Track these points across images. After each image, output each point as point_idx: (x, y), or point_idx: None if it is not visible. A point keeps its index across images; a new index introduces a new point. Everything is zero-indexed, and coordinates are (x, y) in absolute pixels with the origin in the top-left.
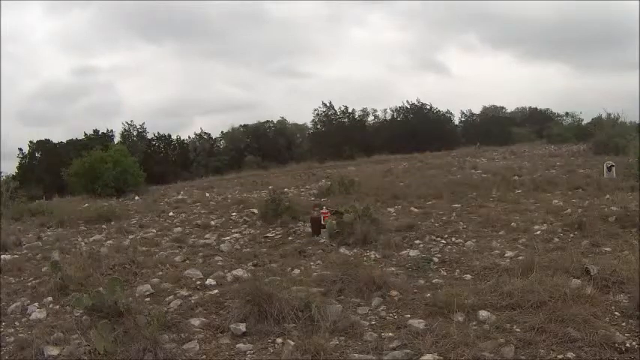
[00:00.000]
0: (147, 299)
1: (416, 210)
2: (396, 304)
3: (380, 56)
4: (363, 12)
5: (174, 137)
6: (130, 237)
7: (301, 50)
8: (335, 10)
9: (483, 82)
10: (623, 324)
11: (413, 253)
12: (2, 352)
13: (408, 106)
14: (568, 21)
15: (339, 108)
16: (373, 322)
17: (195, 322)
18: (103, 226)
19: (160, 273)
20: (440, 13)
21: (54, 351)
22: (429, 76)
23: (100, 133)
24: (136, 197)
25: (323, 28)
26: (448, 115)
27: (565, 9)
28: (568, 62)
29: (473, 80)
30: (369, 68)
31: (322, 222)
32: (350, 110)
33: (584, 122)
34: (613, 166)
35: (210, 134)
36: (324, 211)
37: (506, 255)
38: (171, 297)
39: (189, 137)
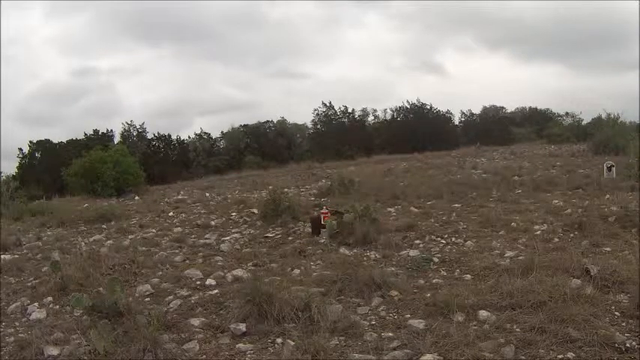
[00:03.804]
0: (147, 299)
1: (416, 210)
2: (396, 304)
3: (378, 57)
4: (359, 13)
5: (174, 137)
6: (130, 237)
7: (299, 51)
8: (331, 12)
9: (482, 82)
10: (623, 324)
11: (413, 253)
12: (2, 352)
13: (408, 106)
14: (566, 21)
15: (339, 108)
16: (373, 322)
17: (195, 322)
18: (103, 226)
19: (160, 273)
20: (435, 14)
21: (54, 351)
22: (428, 77)
23: (100, 133)
24: (136, 197)
25: (320, 30)
26: (448, 115)
27: (562, 9)
28: (567, 62)
29: (472, 81)
30: (368, 69)
31: (322, 222)
32: (350, 110)
33: (584, 122)
34: (613, 166)
35: (210, 134)
36: (324, 211)
37: (506, 255)
38: (171, 297)
39: (189, 137)
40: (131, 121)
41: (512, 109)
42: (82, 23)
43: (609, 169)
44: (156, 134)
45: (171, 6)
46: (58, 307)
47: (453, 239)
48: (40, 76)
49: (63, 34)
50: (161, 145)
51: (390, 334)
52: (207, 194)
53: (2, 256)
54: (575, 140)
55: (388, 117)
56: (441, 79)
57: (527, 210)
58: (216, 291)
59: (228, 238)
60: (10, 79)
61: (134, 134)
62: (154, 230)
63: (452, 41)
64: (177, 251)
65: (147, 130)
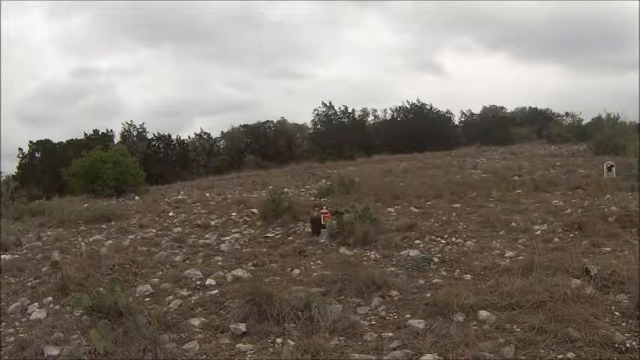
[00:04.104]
0: (147, 299)
1: (416, 210)
2: (396, 304)
3: (378, 57)
4: (358, 14)
5: (174, 137)
6: (130, 237)
7: (299, 52)
8: (331, 12)
9: (482, 82)
10: (623, 324)
11: (413, 253)
12: (2, 352)
13: (408, 106)
14: (566, 21)
15: (339, 108)
16: (373, 322)
17: (195, 322)
18: (103, 226)
19: (160, 273)
20: (434, 14)
21: (54, 351)
22: (428, 77)
23: (100, 133)
24: (136, 197)
25: (320, 30)
26: (448, 115)
27: (562, 9)
28: (567, 62)
29: (472, 81)
30: (367, 69)
31: (322, 222)
32: (350, 110)
33: (584, 122)
34: (613, 166)
35: (210, 134)
36: (324, 211)
37: (506, 255)
38: (171, 297)
39: (189, 137)
40: (131, 121)
41: (512, 109)
42: (81, 23)
43: (609, 169)
44: (156, 134)
45: (170, 6)
46: (58, 307)
47: (453, 239)
48: (40, 76)
49: (63, 34)
50: (161, 145)
51: (390, 334)
52: (207, 194)
53: (2, 256)
54: (575, 140)
55: (388, 117)
56: (440, 79)
57: (527, 210)
58: (216, 291)
59: (228, 238)
60: (10, 79)
61: (134, 134)
62: (154, 230)
63: (451, 41)
64: (177, 251)
65: (147, 130)
